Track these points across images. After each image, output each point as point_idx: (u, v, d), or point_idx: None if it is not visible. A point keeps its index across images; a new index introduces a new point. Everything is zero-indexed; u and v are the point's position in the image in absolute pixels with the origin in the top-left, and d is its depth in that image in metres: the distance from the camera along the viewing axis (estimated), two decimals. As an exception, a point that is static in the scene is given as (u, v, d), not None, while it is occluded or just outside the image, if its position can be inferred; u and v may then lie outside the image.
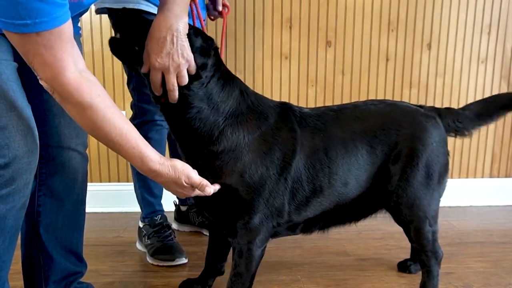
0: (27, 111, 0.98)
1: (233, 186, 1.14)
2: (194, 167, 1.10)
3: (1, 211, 0.95)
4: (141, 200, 1.76)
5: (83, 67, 0.93)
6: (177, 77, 1.06)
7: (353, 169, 1.21)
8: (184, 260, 1.64)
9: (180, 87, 1.08)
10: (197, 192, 1.09)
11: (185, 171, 1.05)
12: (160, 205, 1.79)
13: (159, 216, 1.75)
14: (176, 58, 1.02)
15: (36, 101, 1.13)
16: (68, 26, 0.87)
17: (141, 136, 1.02)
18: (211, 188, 1.09)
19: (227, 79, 1.17)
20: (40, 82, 0.91)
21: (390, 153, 1.23)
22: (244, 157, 1.13)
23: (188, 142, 1.17)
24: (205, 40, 1.12)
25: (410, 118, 1.25)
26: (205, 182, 1.08)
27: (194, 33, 1.10)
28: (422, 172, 1.24)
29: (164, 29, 1.01)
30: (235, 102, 1.15)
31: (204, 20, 1.66)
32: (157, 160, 1.02)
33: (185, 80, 1.06)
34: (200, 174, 1.10)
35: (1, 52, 0.96)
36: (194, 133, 1.14)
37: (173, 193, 1.12)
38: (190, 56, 1.05)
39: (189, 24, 1.09)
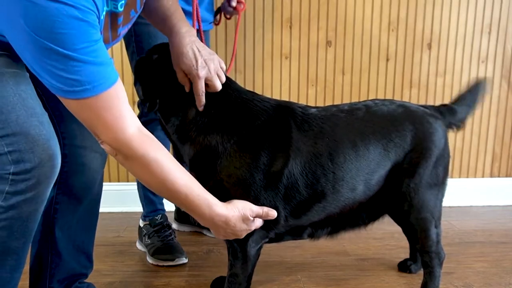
0: (45, 117, 1.00)
1: (220, 189, 1.14)
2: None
3: (24, 213, 0.96)
4: (143, 198, 1.76)
5: (139, 124, 0.96)
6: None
7: (363, 174, 1.19)
8: (184, 260, 1.64)
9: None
10: (258, 223, 1.12)
11: (247, 204, 1.09)
12: (162, 204, 1.79)
13: (160, 215, 1.76)
14: (210, 63, 1.13)
15: (58, 106, 1.12)
16: (120, 83, 0.90)
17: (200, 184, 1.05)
18: (273, 211, 1.13)
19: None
20: (102, 146, 0.94)
21: (404, 156, 1.21)
22: (223, 162, 1.13)
23: (176, 149, 1.24)
24: None
25: (421, 120, 1.24)
26: (265, 208, 1.12)
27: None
28: (432, 173, 1.24)
29: (186, 46, 1.12)
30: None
31: (210, 23, 1.69)
32: (221, 204, 1.05)
33: (224, 77, 1.17)
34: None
35: (16, 64, 0.98)
36: (175, 141, 1.22)
37: (236, 237, 1.13)
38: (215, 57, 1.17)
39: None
